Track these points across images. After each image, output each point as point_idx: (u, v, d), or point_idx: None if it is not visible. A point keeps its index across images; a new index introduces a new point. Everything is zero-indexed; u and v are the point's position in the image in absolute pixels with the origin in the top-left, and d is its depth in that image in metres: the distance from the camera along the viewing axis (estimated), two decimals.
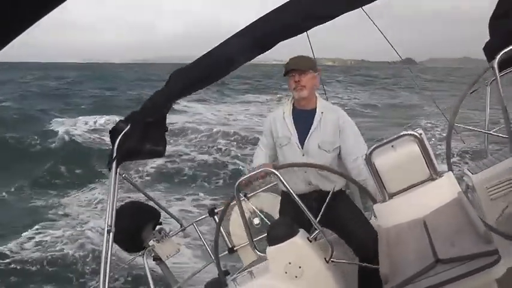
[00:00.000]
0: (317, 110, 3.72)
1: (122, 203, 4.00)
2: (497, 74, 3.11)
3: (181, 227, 4.37)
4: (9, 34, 0.81)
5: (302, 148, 3.66)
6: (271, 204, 4.18)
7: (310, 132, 3.66)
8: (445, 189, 2.88)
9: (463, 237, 2.36)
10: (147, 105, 3.34)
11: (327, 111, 3.73)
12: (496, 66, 3.10)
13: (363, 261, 3.44)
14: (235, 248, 4.20)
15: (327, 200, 3.48)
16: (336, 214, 3.63)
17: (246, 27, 3.12)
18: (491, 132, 3.86)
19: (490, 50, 3.38)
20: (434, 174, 2.94)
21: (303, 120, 3.72)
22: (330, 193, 3.53)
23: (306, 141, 3.66)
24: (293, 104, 3.79)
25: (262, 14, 3.15)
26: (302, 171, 3.63)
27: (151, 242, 3.99)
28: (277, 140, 3.76)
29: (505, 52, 3.12)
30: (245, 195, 4.03)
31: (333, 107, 3.87)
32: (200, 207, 11.70)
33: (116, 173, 3.23)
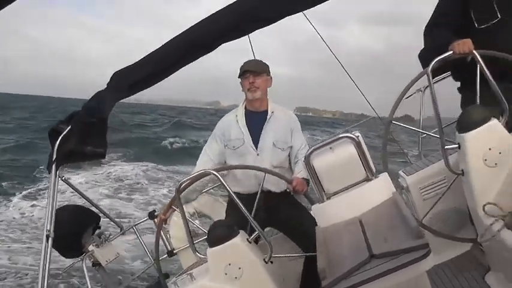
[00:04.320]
0: (269, 110, 3.87)
1: (60, 207, 3.90)
2: (431, 81, 3.26)
3: (121, 230, 4.30)
4: None
5: (256, 149, 3.77)
6: (211, 206, 4.19)
7: (263, 131, 3.79)
8: (380, 189, 3.01)
9: (396, 233, 2.48)
10: (88, 105, 3.26)
11: (277, 111, 3.89)
12: (429, 72, 3.25)
13: (308, 257, 3.52)
14: (175, 251, 4.18)
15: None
16: (282, 214, 3.75)
17: (191, 27, 3.13)
18: (427, 132, 4.00)
19: (425, 57, 3.55)
20: (370, 175, 3.07)
21: (256, 121, 3.84)
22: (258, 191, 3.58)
23: (259, 140, 3.78)
24: (245, 107, 3.91)
25: None
26: (254, 172, 3.70)
27: (90, 247, 3.91)
28: (228, 143, 3.83)
29: (438, 60, 3.28)
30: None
31: (283, 109, 4.02)
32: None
33: (56, 176, 3.15)
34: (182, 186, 3.35)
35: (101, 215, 4.06)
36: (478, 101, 3.26)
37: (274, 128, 3.81)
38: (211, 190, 4.32)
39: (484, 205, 2.87)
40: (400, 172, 4.04)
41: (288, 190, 3.79)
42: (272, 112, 3.86)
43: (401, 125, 3.60)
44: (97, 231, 4.01)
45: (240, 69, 3.84)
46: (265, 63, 3.92)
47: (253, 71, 3.79)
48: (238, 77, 3.86)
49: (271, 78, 3.91)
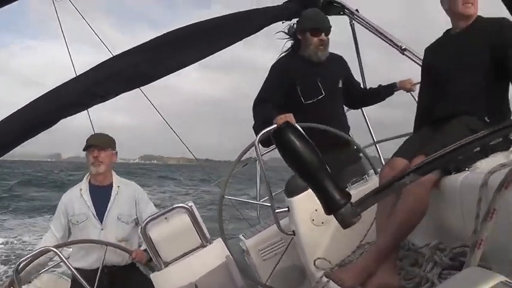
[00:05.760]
0: (113, 184, 3.93)
1: None
2: (259, 152, 3.56)
3: None
4: None
5: (101, 223, 3.79)
6: (55, 285, 4.10)
7: (108, 206, 3.83)
8: (214, 254, 3.26)
9: None
10: None
11: (122, 185, 3.97)
12: (257, 144, 3.55)
13: None
14: None
15: None
16: (127, 285, 3.79)
17: (30, 102, 3.15)
18: (260, 202, 4.31)
19: (256, 130, 3.89)
20: (204, 242, 3.31)
21: (100, 195, 3.88)
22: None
23: (105, 215, 3.80)
24: (89, 181, 3.94)
25: None
26: (99, 247, 3.72)
27: None
28: (72, 218, 3.81)
29: (263, 133, 3.61)
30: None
31: (127, 182, 4.11)
32: None
33: None
34: (21, 266, 3.31)
35: None
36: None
37: (119, 202, 3.88)
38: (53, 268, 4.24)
39: (315, 260, 3.16)
40: (240, 236, 4.28)
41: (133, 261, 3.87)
42: (117, 186, 3.93)
43: (234, 198, 3.84)
44: None
45: (86, 142, 3.91)
46: (110, 138, 4.03)
47: (98, 146, 3.86)
48: (83, 150, 3.91)
49: (116, 153, 4.01)
